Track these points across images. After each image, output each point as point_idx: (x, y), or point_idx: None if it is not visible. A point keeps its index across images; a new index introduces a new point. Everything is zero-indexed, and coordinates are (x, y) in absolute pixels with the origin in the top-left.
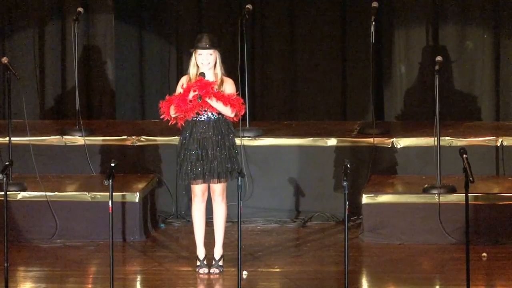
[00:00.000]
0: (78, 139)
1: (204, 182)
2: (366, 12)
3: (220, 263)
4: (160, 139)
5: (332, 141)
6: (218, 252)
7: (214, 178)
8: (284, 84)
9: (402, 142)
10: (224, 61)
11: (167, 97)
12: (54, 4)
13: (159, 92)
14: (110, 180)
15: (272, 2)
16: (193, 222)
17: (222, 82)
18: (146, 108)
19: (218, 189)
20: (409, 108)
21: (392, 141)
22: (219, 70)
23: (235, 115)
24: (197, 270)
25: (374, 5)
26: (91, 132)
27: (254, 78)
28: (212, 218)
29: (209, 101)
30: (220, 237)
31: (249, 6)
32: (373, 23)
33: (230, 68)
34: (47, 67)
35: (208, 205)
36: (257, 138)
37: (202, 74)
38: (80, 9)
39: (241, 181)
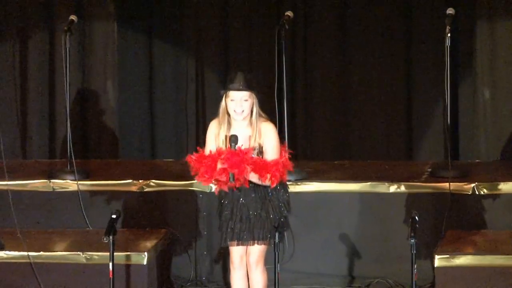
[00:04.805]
0: (70, 184)
1: (240, 244)
2: (439, 21)
3: None
4: (175, 184)
5: (395, 187)
6: None
7: (250, 240)
8: (334, 114)
9: (486, 189)
10: (257, 86)
11: (196, 154)
12: (40, 10)
13: (174, 123)
14: (111, 237)
15: (318, 8)
16: None
17: (259, 132)
18: (157, 144)
19: (253, 252)
20: (495, 144)
21: (473, 187)
22: (255, 118)
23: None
24: None
25: (450, 11)
26: (86, 175)
27: (296, 106)
28: None
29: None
30: None
31: (289, 13)
32: (448, 35)
33: (265, 94)
34: (31, 91)
35: None
36: (300, 183)
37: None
38: (73, 17)
39: (278, 238)
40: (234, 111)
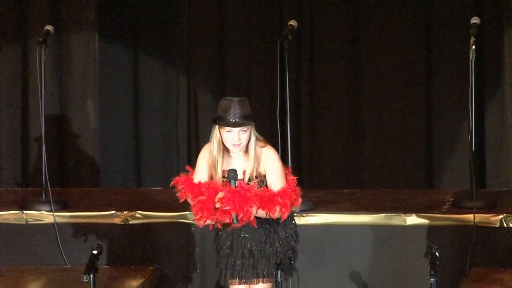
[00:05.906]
0: (45, 216)
1: (242, 283)
2: (462, 31)
3: None
4: (163, 215)
5: (413, 219)
6: None
7: (253, 277)
8: (344, 137)
9: None
10: (257, 104)
11: (185, 177)
12: (11, 19)
13: (163, 147)
14: (91, 275)
15: (326, 16)
16: None
17: (259, 160)
18: (143, 171)
19: None
20: None
21: (501, 219)
22: (252, 146)
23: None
24: None
25: (475, 21)
26: (64, 205)
27: (301, 128)
28: None
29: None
30: None
31: (293, 22)
32: (473, 47)
33: (266, 114)
34: (2, 110)
35: None
36: (305, 214)
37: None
38: (48, 27)
39: (281, 276)
40: (232, 144)
